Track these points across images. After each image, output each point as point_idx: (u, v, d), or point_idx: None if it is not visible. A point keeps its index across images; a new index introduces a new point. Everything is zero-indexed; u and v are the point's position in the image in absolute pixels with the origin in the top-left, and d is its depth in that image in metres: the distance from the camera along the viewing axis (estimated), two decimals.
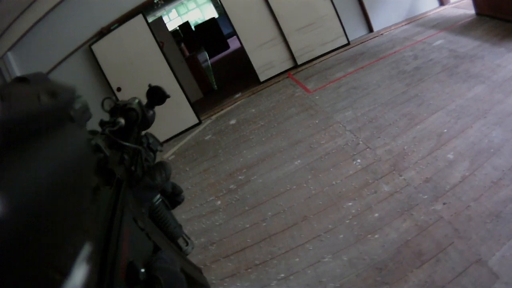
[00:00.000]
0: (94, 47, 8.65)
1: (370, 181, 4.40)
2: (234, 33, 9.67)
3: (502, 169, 3.78)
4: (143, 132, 1.77)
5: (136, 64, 8.64)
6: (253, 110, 8.10)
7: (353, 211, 4.05)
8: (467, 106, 4.98)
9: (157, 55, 8.76)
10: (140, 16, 8.63)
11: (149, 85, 1.86)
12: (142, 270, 0.89)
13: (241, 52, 9.84)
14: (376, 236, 3.62)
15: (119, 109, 1.61)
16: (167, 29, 11.66)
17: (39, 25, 8.57)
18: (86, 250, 0.67)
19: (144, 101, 1.78)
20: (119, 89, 8.63)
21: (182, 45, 13.17)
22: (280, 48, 9.38)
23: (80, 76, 8.69)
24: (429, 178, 4.08)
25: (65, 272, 0.57)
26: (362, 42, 9.25)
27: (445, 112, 5.07)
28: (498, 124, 4.44)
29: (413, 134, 4.92)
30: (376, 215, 3.87)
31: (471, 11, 8.08)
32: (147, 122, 1.72)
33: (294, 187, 4.88)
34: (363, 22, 9.65)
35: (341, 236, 3.79)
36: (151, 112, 1.78)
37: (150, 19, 12.71)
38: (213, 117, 8.93)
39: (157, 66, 8.71)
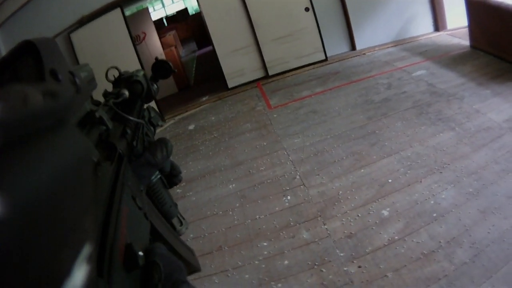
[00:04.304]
0: (72, 35, 8.53)
1: (292, 223, 4.16)
2: None
3: (439, 241, 3.37)
4: (145, 106, 1.79)
5: (109, 57, 8.44)
6: (213, 118, 7.86)
7: (265, 252, 3.88)
8: (425, 156, 4.57)
9: (130, 50, 8.63)
10: (118, 10, 8.49)
11: (156, 58, 1.88)
12: (141, 253, 0.82)
13: None
14: (279, 285, 3.45)
15: (123, 80, 1.62)
16: (151, 20, 11.43)
17: (28, 6, 8.47)
18: (85, 232, 0.64)
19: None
20: None
21: (174, 31, 13.26)
22: (253, 57, 9.06)
23: None
24: (353, 234, 3.76)
25: (62, 256, 0.53)
26: (341, 60, 8.81)
27: (397, 158, 4.66)
28: (453, 184, 4.00)
29: (354, 178, 4.54)
30: (286, 262, 3.67)
31: (467, 42, 7.57)
32: (151, 95, 1.73)
33: (221, 212, 4.72)
34: (346, 38, 9.23)
35: (247, 276, 3.67)
36: (155, 86, 1.81)
37: (135, 10, 12.42)
38: (176, 118, 8.68)
39: (129, 62, 8.40)
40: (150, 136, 1.60)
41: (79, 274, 0.54)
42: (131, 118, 1.38)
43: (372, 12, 8.95)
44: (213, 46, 9.04)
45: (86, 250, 0.59)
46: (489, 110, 5.10)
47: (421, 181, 4.12)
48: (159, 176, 1.50)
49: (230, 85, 9.09)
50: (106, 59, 8.35)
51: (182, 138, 7.35)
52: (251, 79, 9.10)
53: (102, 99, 1.46)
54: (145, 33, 10.30)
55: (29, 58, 0.85)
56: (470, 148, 4.46)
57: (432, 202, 3.81)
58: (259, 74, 9.10)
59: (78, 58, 8.49)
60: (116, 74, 1.65)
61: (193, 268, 1.53)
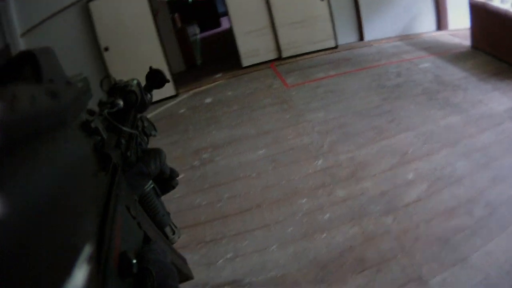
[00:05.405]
0: (91, 4, 8.48)
1: (326, 183, 4.48)
2: (227, 13, 9.60)
3: (459, 199, 3.82)
4: (139, 115, 1.77)
5: (128, 27, 8.59)
6: (230, 93, 8.10)
7: (305, 208, 4.13)
8: (438, 133, 5.03)
9: (149, 23, 8.70)
10: None
11: (150, 68, 1.88)
12: (134, 261, 0.87)
13: (230, 33, 9.77)
14: (323, 236, 3.70)
15: (118, 89, 1.61)
16: None
17: None
18: (82, 241, 0.67)
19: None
20: (106, 49, 8.54)
21: (176, 14, 13.07)
22: (268, 38, 9.39)
23: (71, 30, 8.57)
24: (384, 192, 4.14)
25: (61, 265, 0.57)
26: (350, 49, 9.23)
27: (414, 133, 5.12)
28: (464, 156, 4.47)
29: (377, 147, 4.98)
30: (327, 216, 3.95)
31: (467, 42, 8.02)
32: (145, 105, 1.73)
33: (254, 175, 4.97)
34: (356, 29, 9.65)
35: (290, 229, 3.88)
36: (148, 96, 1.81)
37: None
38: (191, 92, 8.89)
39: (147, 33, 8.69)
40: (143, 145, 1.63)
41: (75, 278, 0.59)
42: (125, 128, 1.41)
43: (382, 6, 9.40)
44: (230, 25, 9.32)
45: (82, 254, 0.64)
46: (490, 102, 5.55)
47: (438, 153, 4.58)
48: (152, 186, 1.56)
49: (244, 63, 9.38)
50: (125, 31, 8.49)
51: (200, 110, 7.58)
52: (265, 59, 9.41)
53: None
54: (158, 11, 10.36)
55: (28, 68, 0.88)
56: (476, 130, 4.92)
57: (449, 169, 4.27)
58: (273, 55, 9.44)
59: (96, 28, 8.46)
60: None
61: (185, 276, 1.60)
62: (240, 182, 4.88)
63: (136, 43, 8.56)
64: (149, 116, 7.57)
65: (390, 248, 3.39)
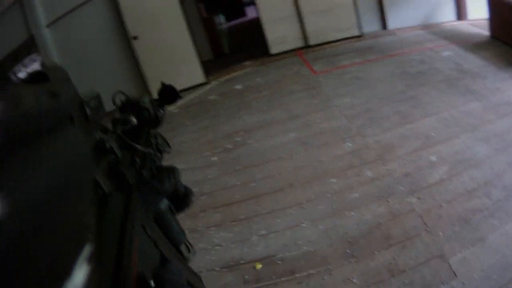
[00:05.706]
0: None
1: (355, 164, 4.70)
2: (252, 2, 9.88)
3: (478, 182, 3.99)
4: (152, 132, 1.78)
5: (156, 16, 8.73)
6: (259, 80, 8.33)
7: (335, 187, 4.36)
8: (459, 118, 5.21)
9: (177, 11, 8.84)
10: None
11: (162, 84, 1.89)
12: (151, 281, 0.88)
13: (256, 22, 10.03)
14: (352, 213, 3.92)
15: (130, 106, 1.63)
16: None
17: None
18: (99, 261, 0.67)
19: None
20: (135, 38, 8.69)
21: (201, 4, 13.11)
22: (295, 27, 9.56)
23: (99, 20, 8.75)
24: (409, 173, 4.35)
25: (78, 285, 0.57)
26: (374, 37, 9.40)
27: (436, 118, 5.32)
28: (484, 141, 4.62)
29: (402, 131, 5.19)
30: (356, 195, 4.17)
31: (486, 32, 8.11)
32: (158, 121, 1.75)
33: (285, 156, 5.19)
34: (379, 17, 9.80)
35: (321, 207, 4.11)
36: (161, 112, 1.81)
37: None
38: (220, 80, 9.10)
39: (175, 22, 8.83)
40: (157, 162, 1.61)
41: None
42: (139, 147, 1.40)
43: None
44: (258, 13, 9.53)
45: (100, 277, 0.61)
46: (509, 89, 5.66)
47: (459, 137, 4.76)
48: (168, 204, 1.55)
49: (272, 51, 9.59)
50: (153, 20, 8.66)
51: (231, 96, 7.84)
52: (293, 47, 9.61)
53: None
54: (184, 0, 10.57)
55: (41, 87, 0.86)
56: (494, 116, 5.05)
57: (469, 152, 4.45)
58: (300, 43, 9.64)
59: (124, 17, 8.58)
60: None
61: None
62: (272, 164, 5.10)
63: (165, 32, 8.73)
64: (179, 103, 7.87)
65: (414, 226, 3.58)
